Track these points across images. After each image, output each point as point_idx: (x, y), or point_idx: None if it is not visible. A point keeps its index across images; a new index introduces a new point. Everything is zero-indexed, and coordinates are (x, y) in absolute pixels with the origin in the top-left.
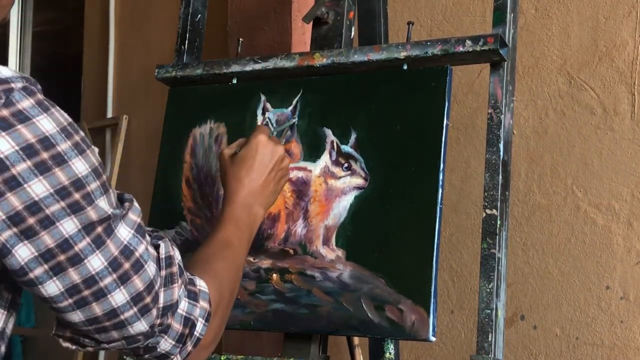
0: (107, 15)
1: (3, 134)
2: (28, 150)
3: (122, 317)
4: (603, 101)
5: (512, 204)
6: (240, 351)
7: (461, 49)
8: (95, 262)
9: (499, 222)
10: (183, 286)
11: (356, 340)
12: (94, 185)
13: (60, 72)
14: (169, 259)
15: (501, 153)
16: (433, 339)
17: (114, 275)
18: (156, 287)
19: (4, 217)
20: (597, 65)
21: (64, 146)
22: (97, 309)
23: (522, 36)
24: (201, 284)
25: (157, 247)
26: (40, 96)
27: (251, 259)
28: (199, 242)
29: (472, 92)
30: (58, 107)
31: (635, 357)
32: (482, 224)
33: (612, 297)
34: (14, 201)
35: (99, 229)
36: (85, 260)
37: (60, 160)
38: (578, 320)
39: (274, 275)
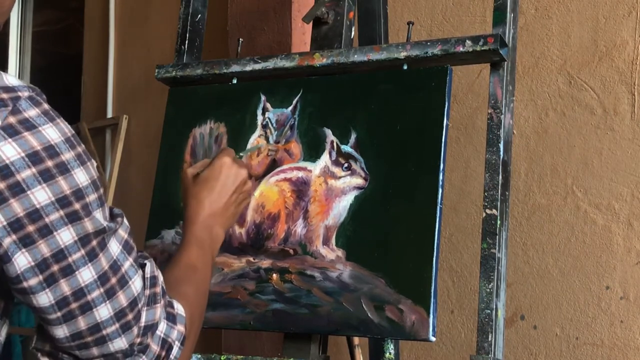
0: (107, 15)
1: (10, 140)
2: (33, 158)
3: (104, 332)
4: (603, 101)
5: (512, 204)
6: (240, 351)
7: (461, 49)
8: (86, 275)
9: (499, 222)
10: (163, 307)
11: (356, 340)
12: (92, 197)
13: (60, 72)
14: (154, 279)
15: (501, 153)
16: (433, 339)
17: (101, 289)
18: (139, 305)
19: (4, 223)
20: (597, 65)
21: (67, 156)
22: (82, 323)
23: (522, 36)
24: (179, 307)
25: (142, 267)
26: (46, 106)
27: (251, 259)
28: None
29: (472, 92)
30: (62, 118)
31: (635, 357)
32: (482, 224)
33: (612, 297)
34: (16, 207)
35: (94, 242)
36: (77, 272)
37: (64, 169)
38: (578, 320)
39: (274, 275)
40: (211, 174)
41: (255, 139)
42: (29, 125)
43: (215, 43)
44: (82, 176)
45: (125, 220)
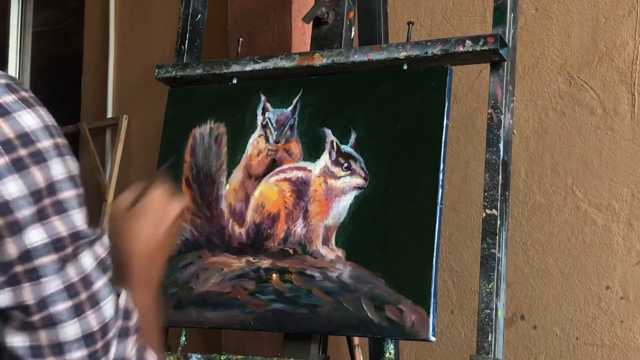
0: (107, 15)
1: None
2: (5, 146)
3: (67, 356)
4: (603, 101)
5: (512, 204)
6: (240, 351)
7: (461, 49)
8: (52, 283)
9: (499, 222)
10: (135, 346)
11: (356, 340)
12: (69, 194)
13: (60, 72)
14: (127, 313)
15: (501, 153)
16: (433, 339)
17: (69, 303)
18: (110, 335)
19: None
20: (597, 65)
21: (45, 143)
22: (44, 338)
23: (522, 36)
24: (150, 354)
25: (117, 295)
26: (24, 94)
27: (251, 259)
28: (199, 242)
29: (472, 92)
30: (45, 109)
31: (635, 357)
32: (482, 224)
33: (612, 297)
34: None
35: (67, 248)
36: (43, 278)
37: (40, 158)
38: (578, 320)
39: (274, 275)
40: (149, 207)
41: (255, 139)
42: (3, 112)
43: (215, 43)
44: (59, 168)
45: (106, 238)
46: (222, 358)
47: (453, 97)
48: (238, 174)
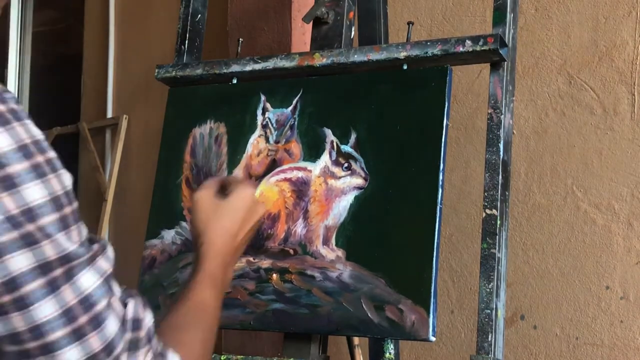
0: (107, 15)
1: None
2: None
3: None
4: (603, 101)
5: (512, 204)
6: (240, 351)
7: (461, 49)
8: (46, 309)
9: (499, 222)
10: (151, 355)
11: (356, 340)
12: (50, 218)
13: (60, 72)
14: (137, 322)
15: (501, 153)
16: (433, 339)
17: (67, 329)
18: (117, 351)
19: None
20: (597, 65)
21: (17, 167)
22: None
23: (522, 36)
24: (173, 358)
25: (124, 305)
26: (1, 107)
27: (251, 259)
28: None
29: (472, 92)
30: (26, 120)
31: (635, 357)
32: (482, 224)
33: (612, 297)
34: None
35: (56, 271)
36: (33, 306)
37: (10, 184)
38: (578, 320)
39: (274, 275)
40: (241, 204)
41: (255, 139)
42: None
43: (215, 43)
44: (36, 192)
45: (109, 251)
46: (222, 358)
47: (453, 97)
48: (238, 173)
